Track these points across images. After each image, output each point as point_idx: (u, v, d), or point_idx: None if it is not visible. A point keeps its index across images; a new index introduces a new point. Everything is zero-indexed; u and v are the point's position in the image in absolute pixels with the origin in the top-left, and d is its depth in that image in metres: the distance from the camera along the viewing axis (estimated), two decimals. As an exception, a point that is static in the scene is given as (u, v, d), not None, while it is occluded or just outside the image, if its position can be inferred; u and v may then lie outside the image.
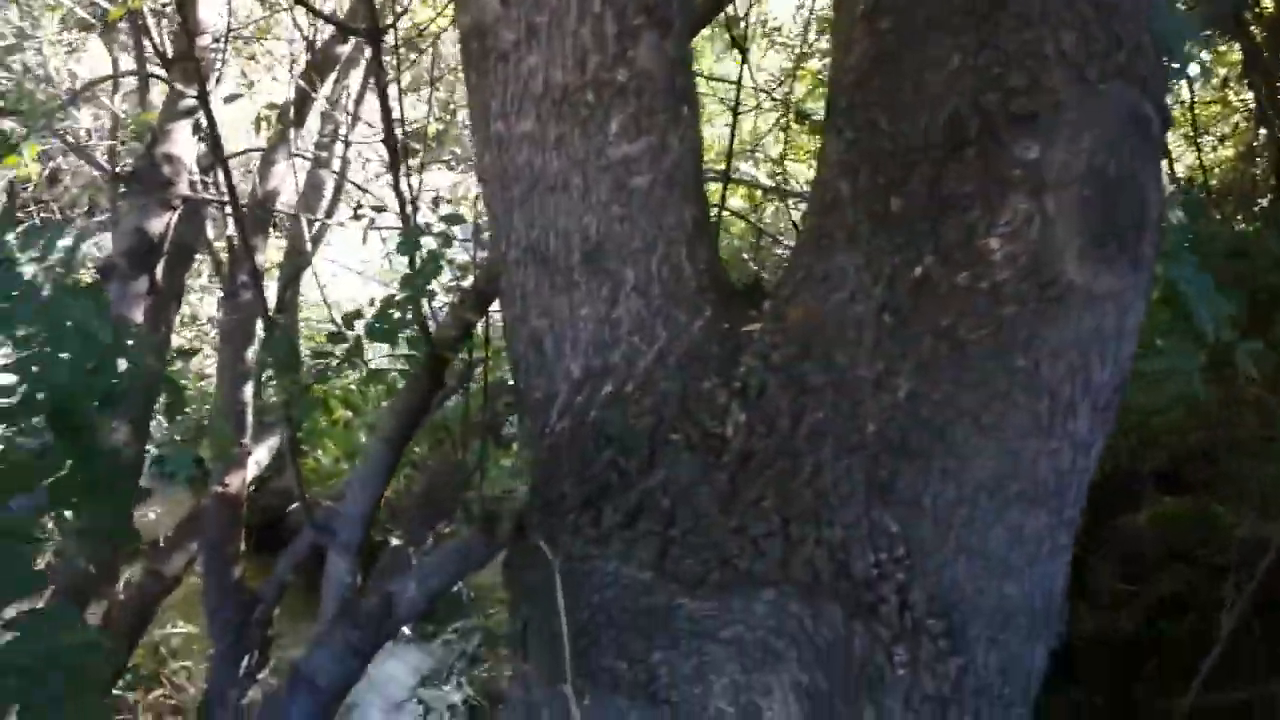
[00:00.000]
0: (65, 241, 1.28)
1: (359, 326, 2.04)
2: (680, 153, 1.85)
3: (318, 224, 4.03)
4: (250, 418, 3.82)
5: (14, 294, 1.13)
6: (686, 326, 1.82)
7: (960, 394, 1.68)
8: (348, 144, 4.45)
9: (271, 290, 4.32)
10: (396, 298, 1.98)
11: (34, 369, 1.30)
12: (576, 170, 1.81)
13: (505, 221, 1.91)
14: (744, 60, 3.06)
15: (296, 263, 4.06)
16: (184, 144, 3.36)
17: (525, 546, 1.90)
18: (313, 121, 4.49)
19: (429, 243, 2.23)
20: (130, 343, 1.47)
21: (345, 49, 4.34)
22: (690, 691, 1.65)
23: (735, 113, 2.93)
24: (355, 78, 4.90)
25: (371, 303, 2.22)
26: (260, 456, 4.05)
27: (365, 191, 4.80)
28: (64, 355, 1.32)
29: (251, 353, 3.83)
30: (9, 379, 1.28)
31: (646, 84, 1.78)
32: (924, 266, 1.66)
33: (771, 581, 1.64)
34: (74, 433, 1.35)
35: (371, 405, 7.33)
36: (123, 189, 3.83)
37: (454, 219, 2.03)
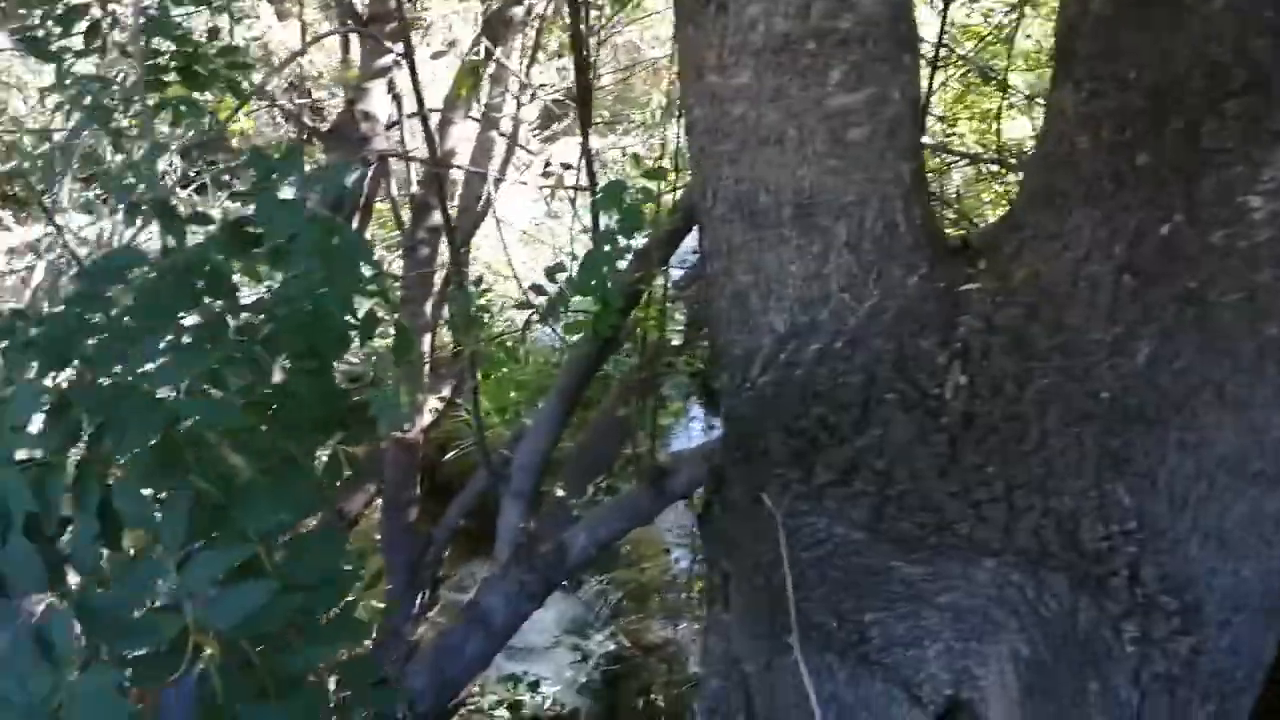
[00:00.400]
0: (349, 179, 1.34)
1: (560, 279, 2.08)
2: (900, 104, 1.78)
3: (490, 184, 4.13)
4: (426, 368, 3.97)
5: (296, 228, 1.19)
6: (901, 284, 1.77)
7: (1204, 362, 1.58)
8: (520, 104, 4.53)
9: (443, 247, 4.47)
10: (600, 252, 2.01)
11: (293, 306, 1.36)
12: (792, 122, 1.77)
13: (714, 176, 1.90)
14: (945, 9, 2.94)
15: (471, 220, 4.18)
16: (380, 102, 3.50)
17: (727, 499, 1.91)
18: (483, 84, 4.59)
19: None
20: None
21: (518, 10, 4.40)
22: (903, 654, 1.64)
23: (935, 67, 2.82)
24: (518, 43, 4.97)
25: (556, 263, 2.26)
26: (434, 403, 4.22)
27: (532, 153, 4.89)
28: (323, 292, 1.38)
29: (428, 306, 3.99)
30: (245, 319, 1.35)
31: (871, 31, 1.72)
32: (1172, 225, 1.56)
33: (993, 549, 1.60)
34: (319, 370, 1.43)
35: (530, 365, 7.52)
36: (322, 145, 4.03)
37: (656, 174, 2.04)
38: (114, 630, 0.96)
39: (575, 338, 3.09)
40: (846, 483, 1.68)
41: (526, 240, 7.34)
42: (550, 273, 2.09)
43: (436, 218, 4.09)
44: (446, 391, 4.43)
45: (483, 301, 2.92)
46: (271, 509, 1.04)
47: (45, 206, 4.31)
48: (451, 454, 6.91)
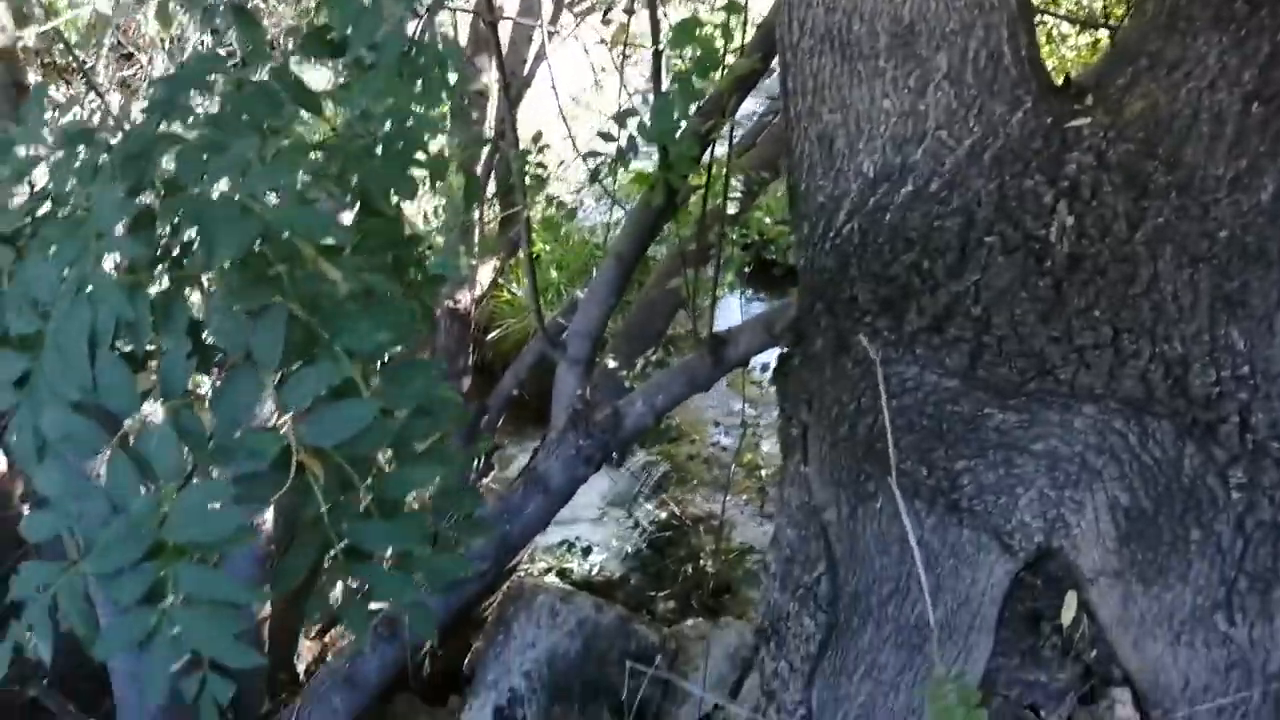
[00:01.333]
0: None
1: (631, 125, 1.97)
2: (1009, -80, 1.63)
3: (540, 40, 3.95)
4: (478, 237, 3.90)
5: (378, 35, 1.11)
6: (1004, 120, 1.65)
7: (1335, 198, 1.47)
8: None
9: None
10: (670, 95, 1.89)
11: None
12: (891, -59, 1.63)
13: (801, 5, 1.76)
14: None
15: (520, 83, 4.03)
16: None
17: (807, 353, 1.85)
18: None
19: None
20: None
21: None
22: (994, 502, 1.59)
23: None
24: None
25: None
26: (484, 276, 4.15)
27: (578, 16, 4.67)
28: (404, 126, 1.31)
29: (477, 171, 3.89)
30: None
31: None
32: (1314, 46, 1.43)
33: (1095, 396, 1.53)
34: (385, 214, 1.36)
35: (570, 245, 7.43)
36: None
37: (734, 7, 1.90)
38: (215, 449, 0.93)
39: (634, 201, 2.99)
40: (940, 329, 1.61)
41: (572, 114, 7.12)
42: (619, 118, 1.99)
43: (482, 79, 3.96)
44: (495, 264, 4.36)
45: (540, 158, 2.81)
46: (370, 329, 0.99)
47: (86, 73, 4.22)
48: (494, 333, 6.92)
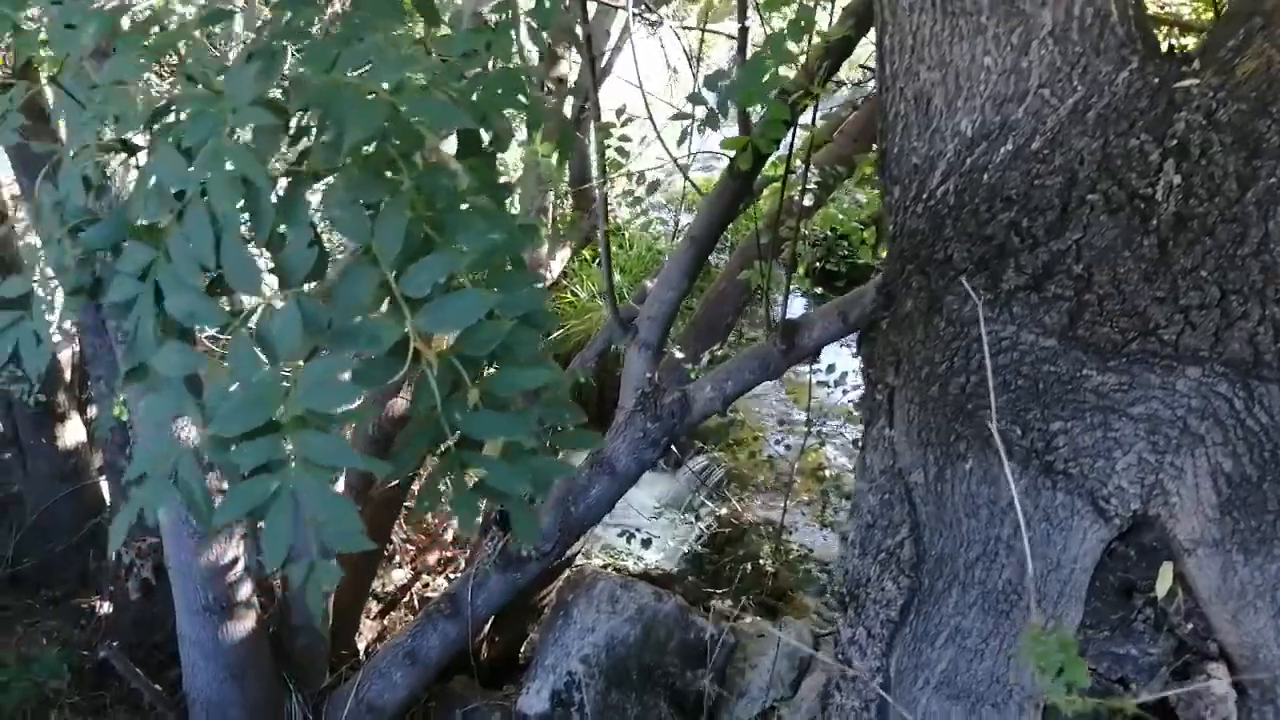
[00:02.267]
0: None
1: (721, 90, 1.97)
2: (1120, -125, 1.61)
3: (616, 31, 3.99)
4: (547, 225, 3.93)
5: None
6: (1110, 79, 1.62)
7: None
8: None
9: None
10: (764, 58, 1.89)
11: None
12: (997, -103, 1.62)
13: (901, -36, 1.76)
14: None
15: (600, 73, 4.06)
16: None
17: (896, 316, 1.82)
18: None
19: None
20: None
21: None
22: (1090, 465, 1.55)
23: None
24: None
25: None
26: (555, 269, 4.17)
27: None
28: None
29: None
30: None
31: None
32: None
33: (1200, 358, 1.48)
34: (484, 157, 1.38)
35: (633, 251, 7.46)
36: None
37: (829, -27, 1.90)
38: (335, 333, 0.95)
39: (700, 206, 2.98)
40: (1039, 287, 1.58)
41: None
42: (710, 81, 1.99)
43: (560, 67, 4.00)
44: (564, 258, 4.38)
45: (624, 130, 2.83)
46: (485, 229, 1.00)
47: None
48: (555, 334, 6.96)
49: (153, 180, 1.05)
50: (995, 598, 1.62)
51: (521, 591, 3.61)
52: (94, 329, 3.89)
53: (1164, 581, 1.55)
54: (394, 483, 3.91)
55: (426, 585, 4.85)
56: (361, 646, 4.19)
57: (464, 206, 1.05)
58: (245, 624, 3.29)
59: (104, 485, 4.44)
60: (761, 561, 4.58)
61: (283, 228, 1.01)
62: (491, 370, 1.06)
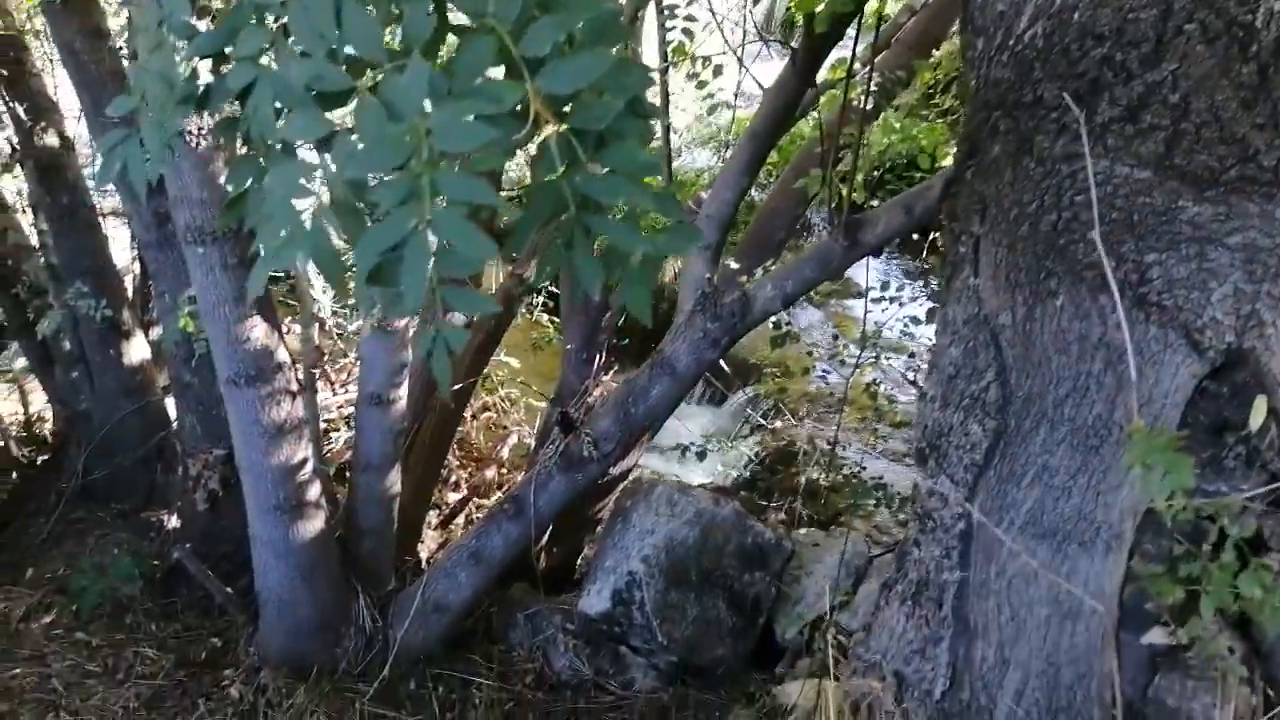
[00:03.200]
0: None
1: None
2: None
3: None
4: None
5: None
6: (1208, -94, 1.58)
7: None
8: None
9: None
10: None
11: None
12: None
13: None
14: None
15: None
16: None
17: (981, 164, 1.80)
18: None
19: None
20: None
21: None
22: (1184, 297, 1.53)
23: None
24: None
25: None
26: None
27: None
28: None
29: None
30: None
31: None
32: None
33: (1302, 182, 1.46)
34: None
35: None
36: None
37: None
38: (456, 95, 0.96)
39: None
40: (1134, 118, 1.55)
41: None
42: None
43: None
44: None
45: (689, 12, 2.81)
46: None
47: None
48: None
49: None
50: (1084, 433, 1.61)
51: (580, 497, 3.66)
52: (157, 244, 3.96)
53: (1257, 415, 1.54)
54: (453, 393, 3.96)
55: (480, 507, 4.93)
56: (423, 556, 4.28)
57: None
58: (314, 524, 3.37)
59: (168, 401, 4.54)
60: (815, 477, 4.59)
61: None
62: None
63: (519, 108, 0.99)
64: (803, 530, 4.11)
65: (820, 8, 2.25)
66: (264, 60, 1.11)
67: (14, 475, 4.91)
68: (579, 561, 4.64)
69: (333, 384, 5.68)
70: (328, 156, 0.98)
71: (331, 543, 3.50)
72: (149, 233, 3.96)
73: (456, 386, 3.99)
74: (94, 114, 3.92)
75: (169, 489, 4.51)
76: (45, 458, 5.02)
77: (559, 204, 1.00)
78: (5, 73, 4.34)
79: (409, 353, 3.46)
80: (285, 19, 1.08)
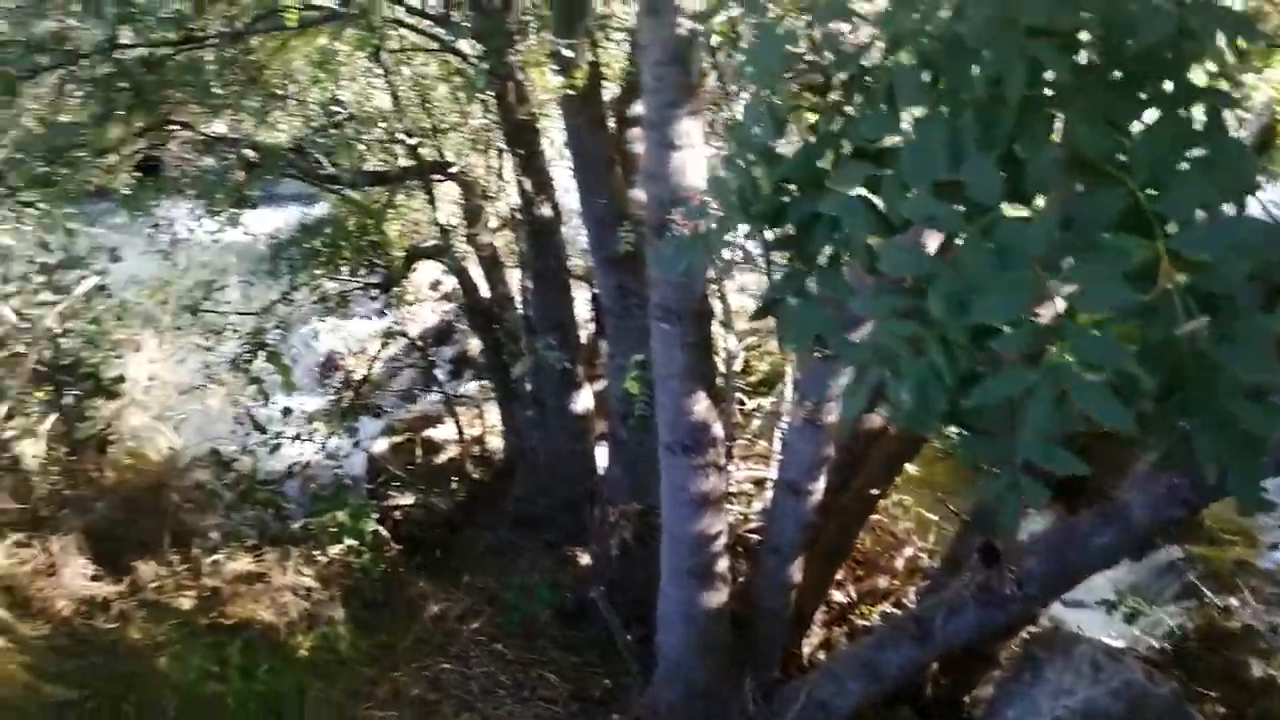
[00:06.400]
0: None
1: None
2: None
3: None
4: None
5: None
6: None
7: None
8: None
9: None
10: None
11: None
12: None
13: None
14: None
15: None
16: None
17: None
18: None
19: None
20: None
21: None
22: None
23: None
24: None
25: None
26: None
27: None
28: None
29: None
30: None
31: None
32: None
33: None
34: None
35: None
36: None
37: None
38: (1077, 246, 0.94)
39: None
40: None
41: None
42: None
43: None
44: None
45: None
46: (1241, 162, 0.93)
47: None
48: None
49: (881, 105, 1.12)
50: None
51: (988, 635, 3.41)
52: (618, 313, 4.40)
53: None
54: (867, 489, 3.92)
55: (866, 614, 4.80)
56: (806, 650, 4.24)
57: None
58: (718, 595, 3.48)
59: (598, 450, 4.99)
60: (1272, 674, 3.87)
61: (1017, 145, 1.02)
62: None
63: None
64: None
65: None
66: (858, 190, 1.18)
67: (465, 491, 5.68)
68: (967, 698, 4.32)
69: (731, 458, 5.89)
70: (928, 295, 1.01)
71: (728, 616, 3.59)
72: (612, 301, 4.40)
73: (872, 491, 3.94)
74: (586, 191, 4.46)
75: (588, 530, 4.94)
76: (493, 480, 5.74)
77: (1178, 365, 0.93)
78: (522, 152, 5.11)
79: (831, 449, 3.48)
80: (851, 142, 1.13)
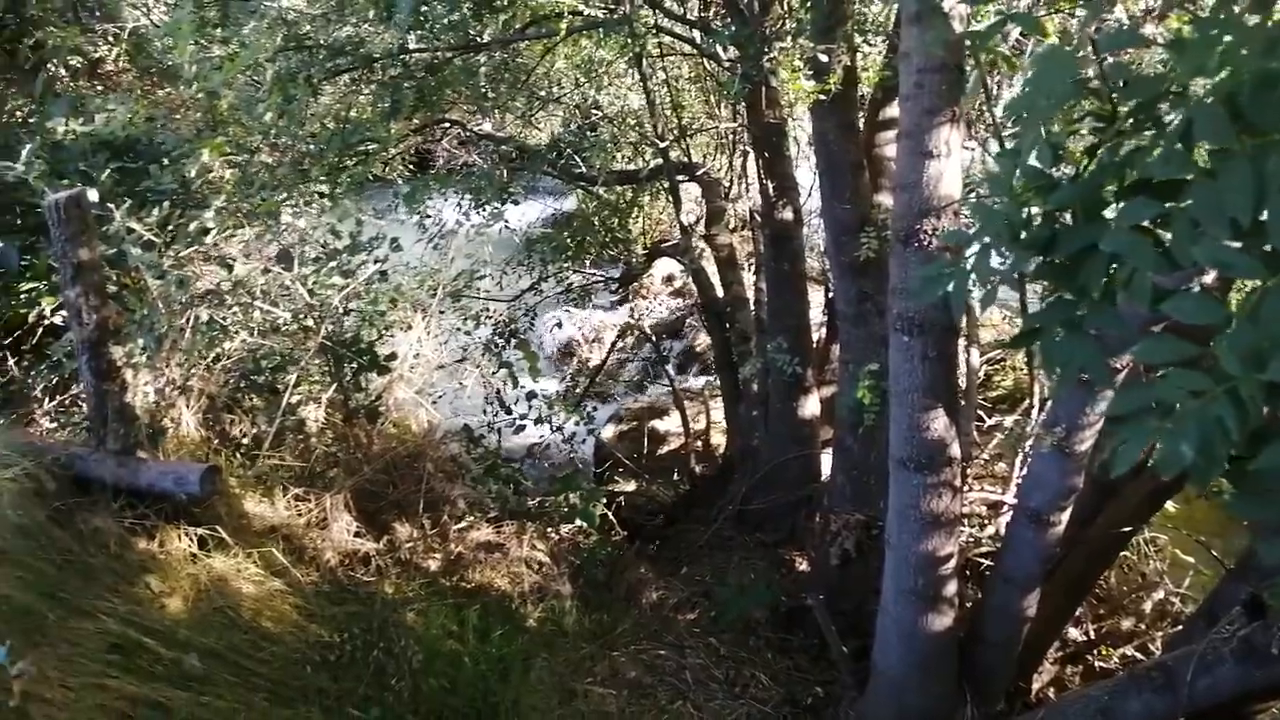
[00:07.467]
0: None
1: None
2: None
3: None
4: None
5: None
6: None
7: None
8: None
9: None
10: None
11: None
12: None
13: None
14: None
15: None
16: None
17: None
18: None
19: None
20: None
21: None
22: None
23: None
24: None
25: None
26: None
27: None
28: None
29: None
30: None
31: None
32: None
33: None
34: None
35: None
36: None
37: None
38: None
39: None
40: None
41: None
42: None
43: None
44: None
45: None
46: None
47: None
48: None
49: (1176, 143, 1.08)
50: None
51: (1243, 695, 3.10)
52: (853, 320, 4.35)
53: None
54: (1118, 525, 3.66)
55: (1105, 655, 4.48)
56: (1035, 686, 4.03)
57: None
58: (943, 619, 3.38)
59: (824, 456, 4.95)
60: None
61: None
62: None
63: None
64: None
65: None
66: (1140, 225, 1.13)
67: (688, 484, 5.82)
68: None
69: (966, 479, 5.66)
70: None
71: (954, 642, 3.48)
72: (849, 307, 4.35)
73: (1124, 528, 3.68)
74: (830, 195, 4.42)
75: (807, 535, 4.92)
76: (714, 476, 5.85)
77: None
78: (767, 154, 5.14)
79: (1081, 479, 3.28)
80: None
